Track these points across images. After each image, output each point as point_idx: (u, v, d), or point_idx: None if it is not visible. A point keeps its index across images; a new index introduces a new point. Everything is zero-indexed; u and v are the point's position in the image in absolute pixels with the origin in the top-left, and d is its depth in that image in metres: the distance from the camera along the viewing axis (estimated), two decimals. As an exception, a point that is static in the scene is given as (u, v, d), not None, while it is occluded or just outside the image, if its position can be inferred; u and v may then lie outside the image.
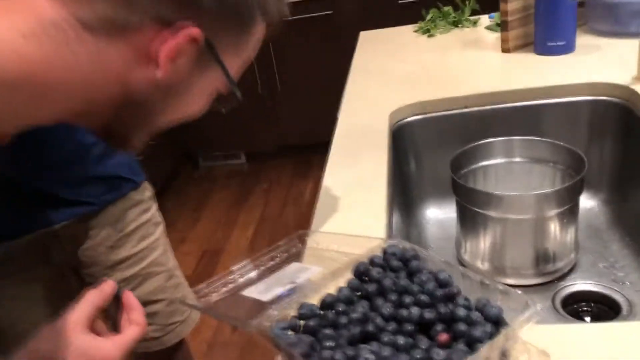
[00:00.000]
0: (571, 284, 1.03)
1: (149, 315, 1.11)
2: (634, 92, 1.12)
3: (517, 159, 1.12)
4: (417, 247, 0.61)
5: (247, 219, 3.01)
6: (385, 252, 0.62)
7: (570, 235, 1.03)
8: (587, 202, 1.23)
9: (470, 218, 1.04)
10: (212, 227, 2.99)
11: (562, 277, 1.04)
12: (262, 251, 0.75)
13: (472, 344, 0.50)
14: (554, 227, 1.00)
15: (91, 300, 0.63)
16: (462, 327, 0.51)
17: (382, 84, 1.42)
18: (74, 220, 0.98)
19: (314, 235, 0.76)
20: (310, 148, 3.11)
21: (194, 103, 0.58)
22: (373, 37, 1.88)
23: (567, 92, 1.21)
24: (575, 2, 1.34)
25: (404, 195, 1.24)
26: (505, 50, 1.46)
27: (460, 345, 0.49)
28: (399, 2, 2.92)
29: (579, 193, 1.00)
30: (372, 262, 0.61)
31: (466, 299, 0.55)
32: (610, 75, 1.19)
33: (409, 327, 0.54)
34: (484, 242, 1.04)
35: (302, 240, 0.77)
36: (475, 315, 0.52)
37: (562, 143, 1.07)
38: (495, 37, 1.59)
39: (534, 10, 1.41)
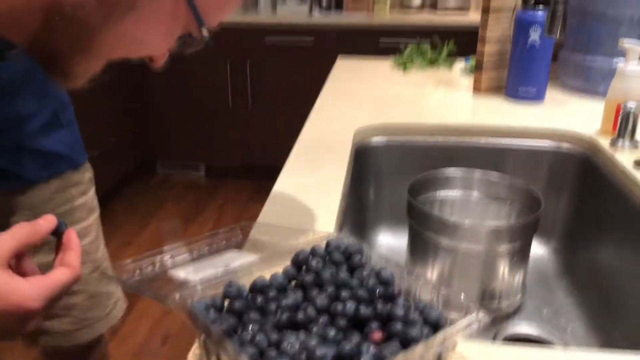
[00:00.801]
0: (513, 325, 1.01)
1: (66, 307, 1.03)
2: (596, 145, 1.13)
3: (475, 193, 1.11)
4: (363, 243, 0.58)
5: (197, 232, 2.93)
6: (328, 244, 0.58)
7: (518, 275, 1.01)
8: (538, 248, 1.22)
9: (421, 244, 1.01)
10: (159, 236, 2.90)
11: (506, 317, 1.02)
12: (199, 237, 0.70)
13: (407, 344, 0.46)
14: (503, 264, 0.98)
15: (19, 235, 0.52)
16: (398, 326, 0.48)
17: (351, 104, 1.41)
18: None
19: (257, 227, 0.72)
20: (274, 171, 3.07)
21: (147, 30, 0.50)
22: (350, 64, 1.88)
23: (531, 135, 1.21)
24: (550, 53, 1.36)
25: (358, 216, 1.21)
26: (476, 89, 1.47)
27: (394, 343, 0.46)
28: (380, 46, 2.94)
29: (532, 231, 0.98)
30: (313, 252, 0.58)
31: (407, 300, 0.52)
32: (575, 126, 1.20)
33: (342, 321, 0.50)
34: (432, 270, 1.01)
35: (245, 231, 0.73)
36: (414, 315, 0.49)
37: (521, 181, 1.06)
38: (468, 80, 1.60)
39: (509, 55, 1.43)
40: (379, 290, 0.52)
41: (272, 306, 0.51)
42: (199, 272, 0.59)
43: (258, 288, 0.53)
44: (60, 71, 0.51)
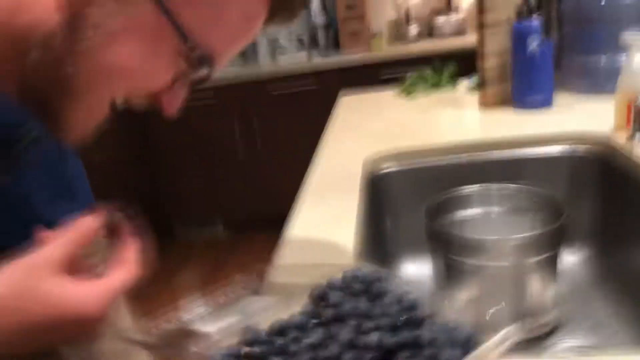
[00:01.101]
0: (555, 343, 0.96)
1: None
2: (612, 143, 1.10)
3: (495, 208, 1.08)
4: (383, 269, 0.55)
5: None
6: (345, 275, 0.56)
7: (552, 289, 0.97)
8: (568, 258, 1.17)
9: (445, 268, 0.98)
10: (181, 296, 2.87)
11: (545, 336, 0.97)
12: (215, 286, 0.68)
13: (438, 370, 0.43)
14: (534, 278, 0.94)
15: (72, 236, 0.47)
16: (426, 352, 0.45)
17: (358, 136, 1.40)
18: None
19: (274, 269, 0.70)
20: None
21: (129, 55, 0.45)
22: (352, 99, 1.88)
23: (544, 141, 1.18)
24: (551, 59, 1.35)
25: (378, 247, 1.18)
26: (483, 105, 1.46)
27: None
28: (381, 77, 2.96)
29: (560, 240, 0.95)
30: (330, 285, 0.55)
31: (434, 323, 0.49)
32: (588, 127, 1.17)
33: (368, 355, 0.47)
34: (460, 293, 0.97)
35: (262, 276, 0.70)
36: (443, 339, 0.46)
37: (540, 190, 1.03)
38: (474, 97, 1.58)
39: (510, 67, 1.41)
40: (402, 317, 0.49)
41: (294, 347, 0.48)
42: (216, 322, 0.57)
43: (277, 330, 0.50)
44: (53, 119, 0.47)
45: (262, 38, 3.39)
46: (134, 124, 3.10)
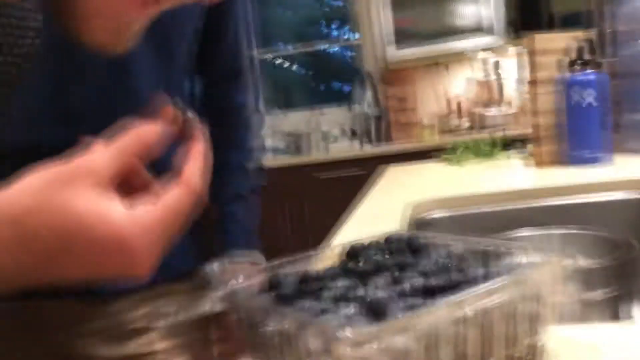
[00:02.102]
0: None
1: None
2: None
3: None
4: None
5: None
6: (388, 238, 0.50)
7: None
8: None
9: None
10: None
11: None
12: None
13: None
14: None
15: (130, 143, 0.38)
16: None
17: (406, 189, 1.35)
18: None
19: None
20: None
21: None
22: (399, 168, 1.86)
23: (606, 188, 1.11)
24: (607, 112, 1.30)
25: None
26: (539, 164, 1.40)
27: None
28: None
29: (630, 277, 0.85)
30: (369, 245, 0.50)
31: (486, 270, 0.42)
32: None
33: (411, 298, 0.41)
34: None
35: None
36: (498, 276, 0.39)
37: (606, 234, 0.95)
38: (529, 161, 1.53)
39: (566, 125, 1.37)
40: (451, 263, 0.43)
41: (326, 293, 0.43)
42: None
43: (308, 277, 0.45)
44: (66, 6, 0.42)
45: (316, 131, 3.47)
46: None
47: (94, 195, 0.35)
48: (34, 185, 0.36)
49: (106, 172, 0.36)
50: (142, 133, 0.38)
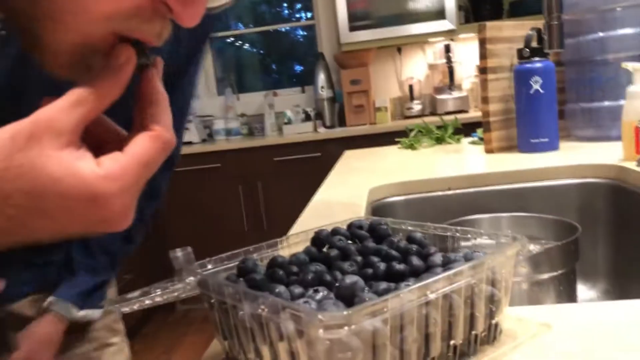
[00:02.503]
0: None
1: None
2: (622, 169, 1.08)
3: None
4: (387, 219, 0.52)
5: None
6: (350, 225, 0.53)
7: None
8: (586, 294, 1.12)
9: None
10: (181, 369, 2.75)
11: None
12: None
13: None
14: (549, 297, 0.89)
15: (90, 95, 0.36)
16: (439, 270, 0.41)
17: (361, 176, 1.38)
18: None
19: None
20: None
21: None
22: (357, 152, 1.89)
23: (553, 175, 1.16)
24: (555, 101, 1.36)
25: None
26: (488, 151, 1.45)
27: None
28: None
29: (574, 258, 0.90)
30: (334, 231, 0.52)
31: (444, 256, 0.45)
32: (597, 161, 1.16)
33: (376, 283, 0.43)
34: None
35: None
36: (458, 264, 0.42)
37: (551, 216, 1.00)
38: (479, 147, 1.58)
39: (514, 114, 1.42)
40: (413, 248, 0.45)
41: (294, 279, 0.44)
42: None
43: (278, 264, 0.46)
44: (37, 40, 0.38)
45: (269, 113, 3.46)
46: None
47: (60, 151, 0.35)
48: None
49: (67, 123, 0.35)
50: (97, 80, 0.37)
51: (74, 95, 0.36)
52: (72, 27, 0.36)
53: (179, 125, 0.82)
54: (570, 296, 0.92)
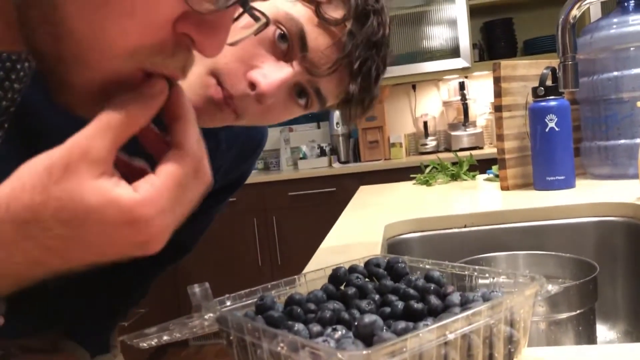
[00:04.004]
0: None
1: None
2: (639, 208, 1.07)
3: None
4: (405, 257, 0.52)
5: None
6: (367, 262, 0.53)
7: None
8: (606, 335, 1.11)
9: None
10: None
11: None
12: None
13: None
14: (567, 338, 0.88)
15: (113, 125, 0.36)
16: (457, 310, 0.41)
17: (376, 212, 1.38)
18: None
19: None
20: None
21: None
22: (372, 187, 1.89)
23: (570, 213, 1.16)
24: (570, 138, 1.36)
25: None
26: (504, 188, 1.45)
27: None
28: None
29: (593, 298, 0.89)
30: (351, 269, 0.52)
31: (462, 295, 0.45)
32: (614, 199, 1.15)
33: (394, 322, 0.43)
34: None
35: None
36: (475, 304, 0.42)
37: (569, 255, 0.99)
38: (494, 185, 1.58)
39: (530, 152, 1.42)
40: (431, 287, 0.45)
41: (311, 316, 0.45)
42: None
43: (295, 301, 0.47)
44: (63, 84, 0.38)
45: (285, 148, 3.50)
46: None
47: (97, 180, 0.35)
48: (34, 179, 0.35)
49: (101, 150, 0.36)
50: (127, 105, 0.37)
51: (103, 119, 0.36)
52: (98, 65, 0.37)
53: (194, 240, 0.99)
54: (589, 337, 0.91)
